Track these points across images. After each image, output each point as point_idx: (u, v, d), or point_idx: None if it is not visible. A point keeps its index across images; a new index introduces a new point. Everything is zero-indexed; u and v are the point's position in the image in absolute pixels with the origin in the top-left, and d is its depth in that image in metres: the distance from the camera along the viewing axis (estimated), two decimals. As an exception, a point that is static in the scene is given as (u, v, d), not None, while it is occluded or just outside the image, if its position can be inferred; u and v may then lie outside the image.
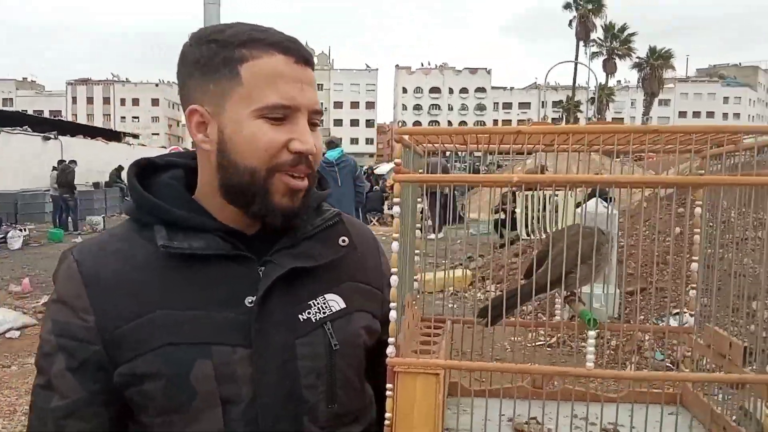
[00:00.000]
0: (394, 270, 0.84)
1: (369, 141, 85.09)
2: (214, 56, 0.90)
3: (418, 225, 1.06)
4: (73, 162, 16.08)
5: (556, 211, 1.31)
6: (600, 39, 55.86)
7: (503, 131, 0.89)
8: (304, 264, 0.96)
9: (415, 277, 1.07)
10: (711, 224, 0.99)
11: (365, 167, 15.44)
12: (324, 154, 7.87)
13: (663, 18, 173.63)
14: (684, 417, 1.02)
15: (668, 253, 5.87)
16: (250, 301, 0.92)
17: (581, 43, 54.50)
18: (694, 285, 1.02)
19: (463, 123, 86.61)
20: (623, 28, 55.75)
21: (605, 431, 0.97)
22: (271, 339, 0.92)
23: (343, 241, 1.03)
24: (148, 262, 0.93)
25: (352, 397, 0.99)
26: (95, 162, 23.88)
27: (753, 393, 0.87)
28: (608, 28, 55.52)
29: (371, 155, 74.50)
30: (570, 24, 54.84)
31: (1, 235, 12.68)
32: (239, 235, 0.96)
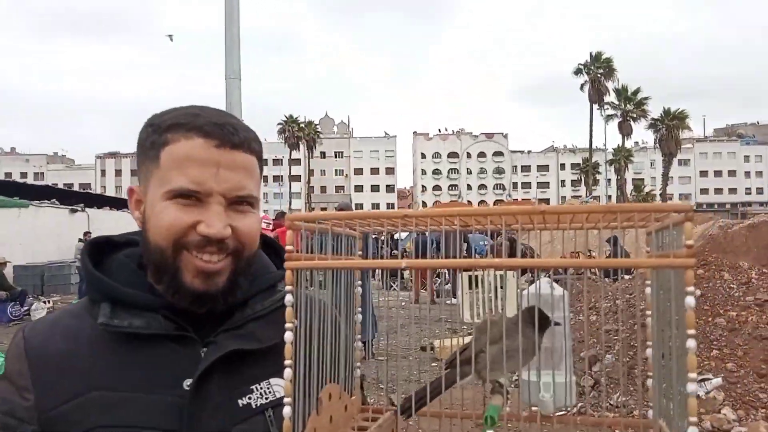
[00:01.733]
0: (287, 362, 0.76)
1: (390, 206, 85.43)
2: (147, 139, 0.95)
3: (359, 309, 0.99)
4: (88, 233, 16.28)
5: (496, 295, 1.29)
6: (614, 102, 56.42)
7: (390, 215, 0.86)
8: (248, 346, 0.94)
9: (357, 365, 1.00)
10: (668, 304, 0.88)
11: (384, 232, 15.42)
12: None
13: (674, 81, 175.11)
14: None
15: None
16: (188, 383, 0.90)
17: (595, 106, 55.11)
18: (650, 373, 0.88)
19: (482, 186, 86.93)
20: (636, 91, 56.31)
21: None
22: (205, 425, 0.90)
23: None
24: (93, 340, 0.93)
25: None
26: (122, 233, 24.16)
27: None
28: (621, 92, 56.13)
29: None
30: (582, 88, 55.66)
31: (26, 308, 12.80)
32: (187, 314, 0.94)
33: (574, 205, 0.80)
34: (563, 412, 0.93)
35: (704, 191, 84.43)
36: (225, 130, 0.92)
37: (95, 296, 0.97)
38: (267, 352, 0.94)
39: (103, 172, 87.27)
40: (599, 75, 54.61)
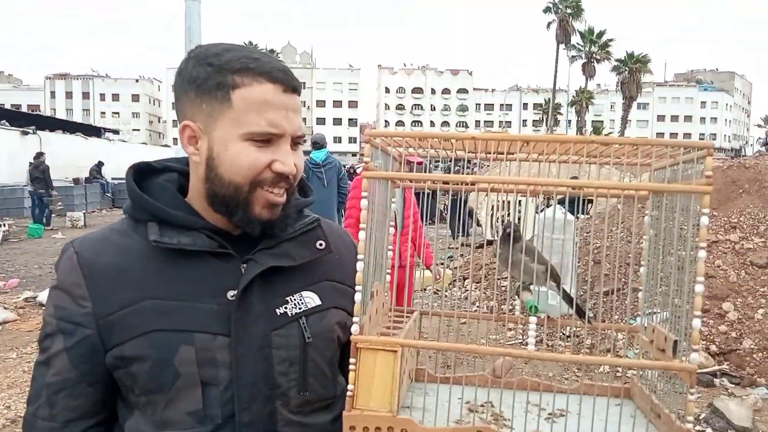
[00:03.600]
0: (360, 256, 0.93)
1: (352, 140, 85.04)
2: (209, 79, 0.99)
3: (392, 223, 1.16)
4: (41, 154, 15.66)
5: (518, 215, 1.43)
6: (579, 44, 56.48)
7: (461, 137, 0.99)
8: (283, 263, 1.06)
9: (387, 271, 1.17)
10: (683, 227, 1.08)
11: (348, 166, 15.45)
12: (309, 154, 7.93)
13: (640, 27, 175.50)
14: (628, 407, 1.12)
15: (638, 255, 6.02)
16: (231, 294, 1.01)
17: (561, 47, 55.09)
18: (641, 287, 1.15)
19: (445, 123, 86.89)
20: (601, 33, 56.39)
21: (552, 415, 1.07)
22: (249, 329, 1.01)
23: (320, 244, 1.12)
24: (141, 255, 1.02)
25: (324, 386, 1.09)
26: (75, 157, 23.61)
27: (682, 379, 0.96)
28: (586, 33, 56.13)
29: (354, 154, 74.45)
30: (548, 27, 55.41)
31: (-22, 231, 12.52)
32: (225, 235, 1.05)
33: (628, 138, 0.95)
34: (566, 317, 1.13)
35: (660, 135, 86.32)
36: (288, 76, 1.01)
37: (141, 216, 1.05)
38: (298, 269, 1.08)
39: (53, 94, 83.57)
40: (567, 14, 54.31)
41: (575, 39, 56.08)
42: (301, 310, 1.06)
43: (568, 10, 54.47)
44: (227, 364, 1.00)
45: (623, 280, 6.03)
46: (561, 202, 1.16)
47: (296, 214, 1.11)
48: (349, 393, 0.93)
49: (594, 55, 56.19)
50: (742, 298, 5.68)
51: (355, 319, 0.94)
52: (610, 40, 56.39)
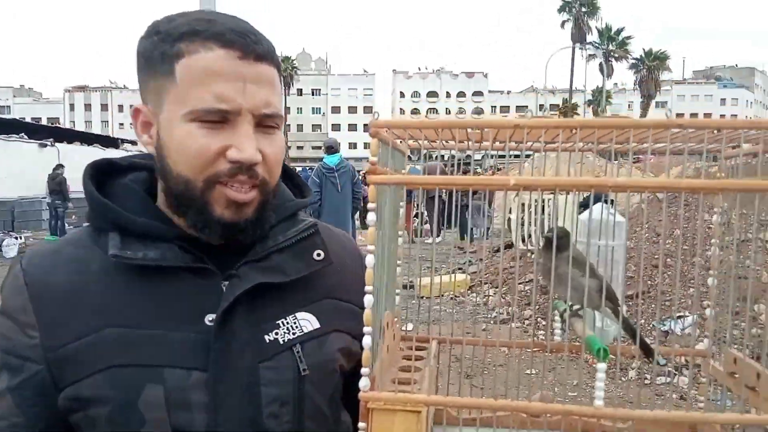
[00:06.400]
0: (368, 288, 0.72)
1: (367, 145, 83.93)
2: (154, 50, 0.82)
3: (401, 232, 0.95)
4: (61, 167, 15.77)
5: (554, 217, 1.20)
6: (596, 42, 56.02)
7: (499, 124, 0.77)
8: (272, 279, 0.87)
9: (397, 291, 0.95)
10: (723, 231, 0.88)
11: (363, 171, 15.31)
12: (323, 159, 7.82)
13: (658, 23, 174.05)
14: None
15: (669, 256, 5.78)
16: (210, 319, 0.83)
17: (577, 46, 54.63)
18: (711, 303, 0.91)
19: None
20: (619, 31, 55.90)
21: None
22: (232, 362, 0.82)
23: (318, 254, 0.92)
24: (102, 272, 0.84)
25: (324, 428, 0.89)
26: (123, 156, 23.80)
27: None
28: (604, 31, 55.69)
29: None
30: (563, 26, 55.00)
31: (-4, 244, 12.58)
32: (203, 246, 0.87)
33: (720, 120, 0.75)
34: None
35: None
36: (248, 39, 0.81)
37: (102, 225, 0.88)
38: (292, 285, 0.90)
39: (72, 107, 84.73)
40: (583, 13, 53.87)
41: (591, 38, 55.64)
42: (296, 335, 0.88)
43: (584, 9, 54.00)
44: (204, 407, 0.81)
45: (648, 282, 5.80)
46: (596, 200, 0.92)
47: (290, 219, 0.94)
48: None
49: (612, 53, 55.65)
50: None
51: (364, 370, 0.71)
52: (628, 37, 55.91)
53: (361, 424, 0.71)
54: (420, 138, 0.90)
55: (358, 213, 9.74)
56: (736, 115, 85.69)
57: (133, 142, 38.69)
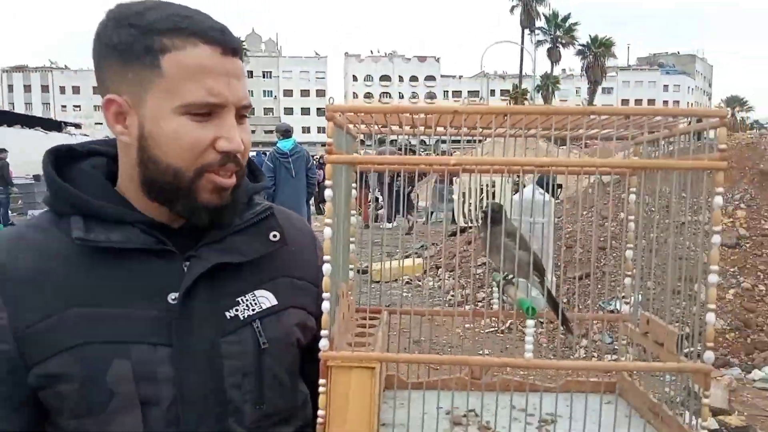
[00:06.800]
0: (326, 258, 0.80)
1: (321, 130, 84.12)
2: (134, 42, 0.84)
3: (354, 212, 1.03)
4: (3, 151, 14.95)
5: (492, 197, 1.30)
6: (544, 28, 56.98)
7: (440, 110, 0.86)
8: (231, 259, 0.93)
9: (351, 266, 1.04)
10: (652, 209, 0.99)
11: (317, 156, 15.27)
12: (277, 144, 7.77)
13: (603, 10, 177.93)
14: (622, 405, 1.03)
15: (612, 239, 6.05)
16: (173, 297, 0.89)
17: (526, 31, 55.48)
18: (629, 272, 1.03)
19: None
20: (566, 18, 56.96)
21: (543, 422, 0.96)
22: (195, 337, 0.89)
23: (274, 236, 0.99)
24: (65, 255, 0.88)
25: (283, 398, 0.97)
26: (34, 153, 22.77)
27: (691, 379, 0.87)
28: (551, 17, 56.66)
29: (323, 144, 73.89)
30: (512, 11, 55.72)
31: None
32: (163, 228, 0.92)
33: (633, 107, 0.84)
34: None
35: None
36: (227, 36, 0.87)
37: (63, 209, 0.91)
38: (250, 265, 0.95)
39: (11, 87, 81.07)
40: (532, -1, 54.71)
41: (539, 23, 56.55)
42: (255, 311, 0.94)
43: (533, -5, 54.82)
44: (170, 379, 0.87)
45: (596, 264, 6.06)
46: (537, 183, 1.04)
47: (246, 202, 0.99)
48: (320, 420, 0.80)
49: (559, 39, 56.73)
50: (713, 278, 5.71)
51: (323, 332, 0.80)
52: (575, 24, 57.04)
53: (321, 381, 0.80)
54: (371, 123, 0.98)
55: (312, 198, 9.75)
56: (678, 101, 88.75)
57: (77, 125, 37.39)
